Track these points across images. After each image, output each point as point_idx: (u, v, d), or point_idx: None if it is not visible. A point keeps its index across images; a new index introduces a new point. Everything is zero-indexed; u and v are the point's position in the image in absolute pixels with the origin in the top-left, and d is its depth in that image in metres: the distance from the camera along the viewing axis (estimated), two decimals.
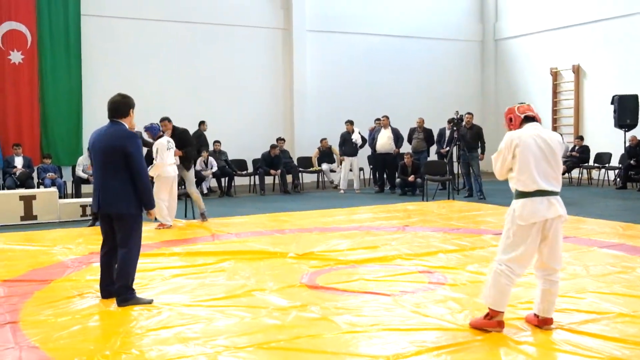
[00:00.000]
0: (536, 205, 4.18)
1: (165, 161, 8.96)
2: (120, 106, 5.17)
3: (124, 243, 5.15)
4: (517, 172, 4.25)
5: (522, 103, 4.53)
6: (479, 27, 18.74)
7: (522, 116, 4.37)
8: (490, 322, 4.27)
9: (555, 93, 16.86)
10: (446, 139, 14.65)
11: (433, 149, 15.03)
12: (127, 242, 5.15)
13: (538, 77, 17.16)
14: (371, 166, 15.37)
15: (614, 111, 14.30)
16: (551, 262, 4.31)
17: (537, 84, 17.20)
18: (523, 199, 4.22)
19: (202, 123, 14.35)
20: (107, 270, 5.33)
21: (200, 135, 14.26)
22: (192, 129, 14.14)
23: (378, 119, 14.96)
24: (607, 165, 14.89)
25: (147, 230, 9.02)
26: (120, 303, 5.10)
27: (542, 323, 4.37)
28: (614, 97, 14.34)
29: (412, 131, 14.68)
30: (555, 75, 16.76)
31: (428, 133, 14.63)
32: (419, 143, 14.51)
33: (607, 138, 15.14)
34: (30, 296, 5.47)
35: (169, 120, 9.80)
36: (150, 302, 5.19)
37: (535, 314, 4.44)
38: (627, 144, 14.12)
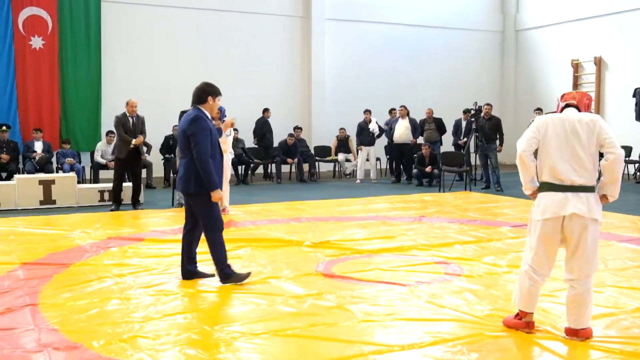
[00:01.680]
0: (551, 199, 3.93)
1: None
2: (199, 93, 5.41)
3: (204, 223, 5.36)
4: (539, 160, 4.02)
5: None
6: (500, 17, 18.54)
7: (563, 104, 4.12)
8: (519, 323, 4.16)
9: (576, 85, 16.65)
10: (463, 129, 14.58)
11: (445, 139, 14.93)
12: (207, 221, 5.35)
13: (559, 68, 16.96)
14: (388, 156, 15.32)
15: (636, 104, 14.12)
16: (576, 266, 3.96)
17: (558, 75, 17.00)
18: (541, 193, 4.03)
19: (265, 110, 14.64)
20: (187, 249, 5.56)
21: (264, 123, 14.48)
22: None
23: (393, 109, 14.91)
24: (627, 158, 14.72)
25: (168, 215, 9.14)
26: (223, 281, 5.37)
27: (567, 333, 4.05)
28: (635, 89, 14.16)
29: (422, 122, 14.58)
30: (576, 67, 16.56)
31: (438, 122, 14.52)
32: (432, 134, 14.43)
33: (628, 131, 14.93)
34: (50, 279, 5.54)
35: None
36: (248, 275, 5.45)
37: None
38: None
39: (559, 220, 3.94)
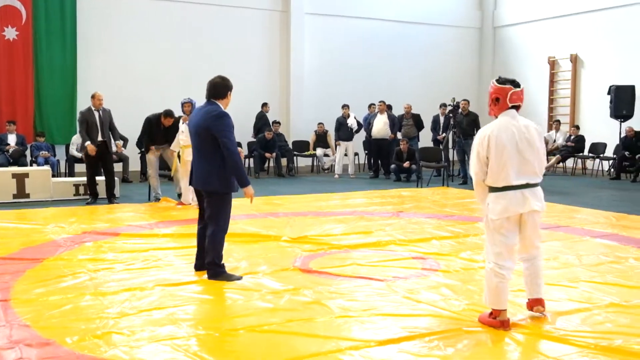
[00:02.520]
0: (509, 199, 4.07)
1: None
2: (219, 87, 5.31)
3: (212, 220, 5.29)
4: (490, 168, 4.11)
5: (516, 85, 4.20)
6: (478, 14, 18.64)
7: (510, 105, 4.16)
8: (494, 322, 4.19)
9: (552, 82, 16.82)
10: (441, 125, 14.67)
11: (423, 134, 15.01)
12: (215, 219, 5.27)
13: (535, 65, 17.10)
14: (366, 151, 15.36)
15: (610, 101, 14.31)
16: (528, 249, 4.28)
17: (535, 72, 17.14)
18: (495, 193, 4.12)
19: (264, 105, 14.77)
20: (202, 243, 5.49)
21: (262, 117, 14.65)
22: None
23: (372, 104, 14.94)
24: (601, 155, 14.91)
25: (144, 210, 9.05)
26: (211, 277, 5.28)
27: (532, 304, 4.37)
28: (610, 87, 14.34)
29: (400, 118, 14.65)
30: (552, 64, 16.72)
31: (416, 119, 14.62)
32: (410, 129, 14.51)
33: (602, 128, 15.15)
34: (22, 274, 5.45)
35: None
36: (239, 279, 5.29)
37: (528, 299, 4.44)
38: (623, 135, 14.13)
39: (517, 216, 4.13)
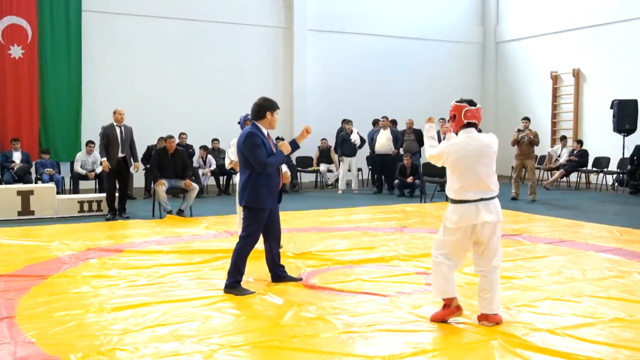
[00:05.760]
0: (464, 211, 4.40)
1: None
2: (257, 109, 5.52)
3: (243, 232, 5.53)
4: (449, 181, 4.46)
5: (472, 104, 4.48)
6: (480, 29, 18.74)
7: (465, 122, 4.46)
8: (450, 310, 4.51)
9: (555, 97, 16.86)
10: (440, 139, 14.68)
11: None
12: (246, 232, 5.49)
13: (538, 80, 17.16)
14: (370, 167, 15.37)
15: (613, 115, 14.31)
16: (485, 261, 4.48)
17: (537, 87, 17.21)
18: (453, 205, 4.47)
19: (345, 121, 14.66)
20: (268, 256, 5.81)
21: (341, 131, 14.80)
22: (188, 125, 14.20)
23: (377, 121, 14.98)
24: (605, 169, 14.88)
25: (148, 226, 9.07)
26: (225, 289, 5.45)
27: (479, 319, 4.53)
28: (613, 101, 14.35)
29: (402, 133, 14.67)
30: (555, 78, 16.77)
31: (418, 134, 14.62)
32: (411, 144, 14.51)
33: (605, 142, 15.14)
34: (27, 291, 5.47)
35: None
36: (252, 293, 5.38)
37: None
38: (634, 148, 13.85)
39: (470, 228, 4.41)
